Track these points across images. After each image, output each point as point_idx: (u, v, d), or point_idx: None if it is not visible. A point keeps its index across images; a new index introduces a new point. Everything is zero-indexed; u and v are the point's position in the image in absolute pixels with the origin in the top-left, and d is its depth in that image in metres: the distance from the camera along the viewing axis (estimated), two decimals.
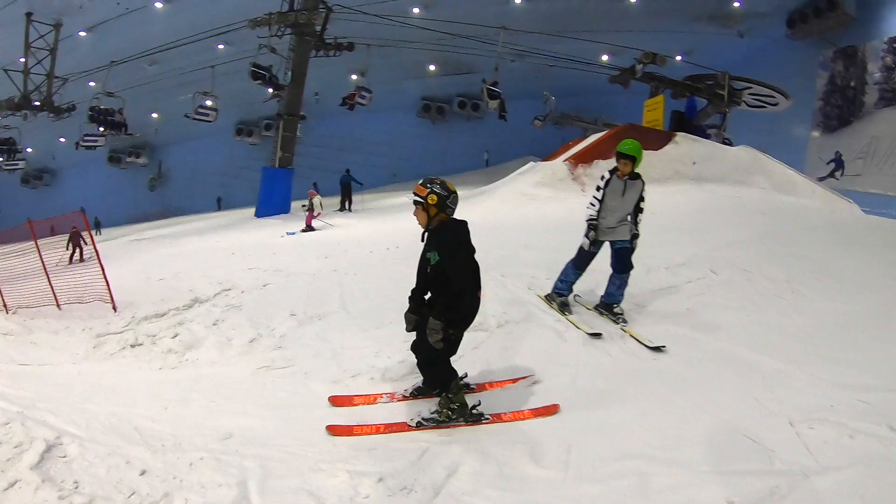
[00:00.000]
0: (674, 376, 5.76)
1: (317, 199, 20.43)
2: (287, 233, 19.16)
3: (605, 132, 21.25)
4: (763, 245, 10.27)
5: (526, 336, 6.96)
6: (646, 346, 6.49)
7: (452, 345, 5.10)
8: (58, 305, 11.24)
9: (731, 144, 21.78)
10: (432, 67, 38.58)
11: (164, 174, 49.18)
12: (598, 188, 7.26)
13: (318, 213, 20.38)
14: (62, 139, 44.21)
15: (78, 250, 19.62)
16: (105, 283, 10.10)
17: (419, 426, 5.07)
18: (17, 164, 41.81)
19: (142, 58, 34.91)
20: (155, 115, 41.53)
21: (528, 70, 33.31)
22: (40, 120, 37.66)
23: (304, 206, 20.58)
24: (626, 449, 4.53)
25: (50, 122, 38.13)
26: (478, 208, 17.42)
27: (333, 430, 5.12)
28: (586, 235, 7.27)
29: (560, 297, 7.65)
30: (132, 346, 7.82)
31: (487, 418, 5.14)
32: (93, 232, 10.70)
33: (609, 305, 7.41)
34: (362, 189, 26.74)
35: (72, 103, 36.80)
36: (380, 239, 14.18)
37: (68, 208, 39.17)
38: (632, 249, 7.30)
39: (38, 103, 36.25)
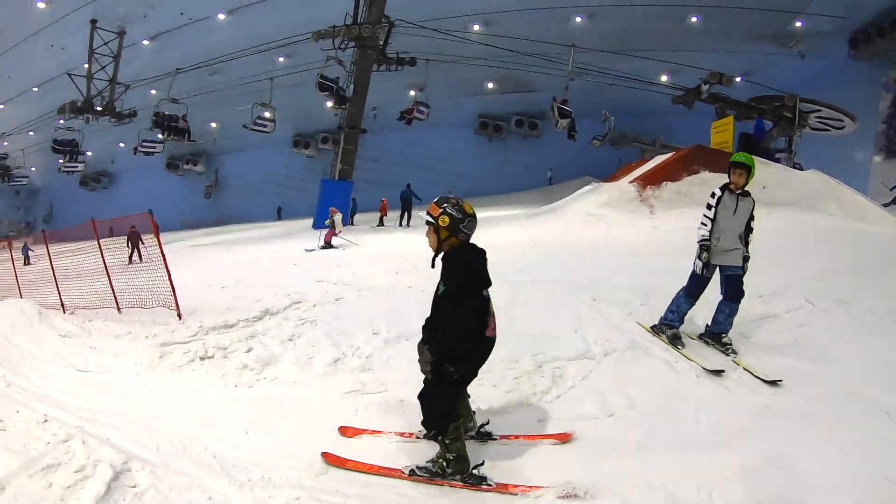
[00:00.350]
0: (800, 414, 5.13)
1: (338, 217, 19.73)
2: (305, 249, 18.51)
3: (671, 154, 20.50)
4: (853, 275, 9.46)
5: (635, 366, 6.29)
6: (762, 380, 5.81)
7: (454, 383, 4.46)
8: (118, 308, 10.77)
9: (801, 169, 20.77)
10: (490, 85, 37.99)
11: (220, 182, 49.58)
12: (709, 206, 6.59)
13: (340, 231, 19.68)
14: (121, 144, 45.06)
15: (136, 251, 19.91)
16: (170, 289, 9.52)
17: (412, 475, 4.44)
18: (76, 167, 42.57)
19: (204, 67, 35.14)
20: (213, 125, 41.70)
21: (587, 89, 32.55)
22: (101, 124, 38.41)
23: (327, 223, 19.76)
24: (774, 494, 3.95)
25: (110, 127, 38.96)
26: (544, 227, 17.05)
27: (328, 458, 4.66)
28: (699, 257, 6.55)
29: (671, 328, 6.89)
30: (202, 358, 7.17)
31: (490, 485, 4.30)
32: (160, 235, 10.18)
33: (717, 335, 6.71)
34: (420, 204, 26.00)
35: (133, 109, 37.29)
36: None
37: (125, 211, 39.66)
38: (743, 274, 6.59)
39: (99, 108, 36.83)
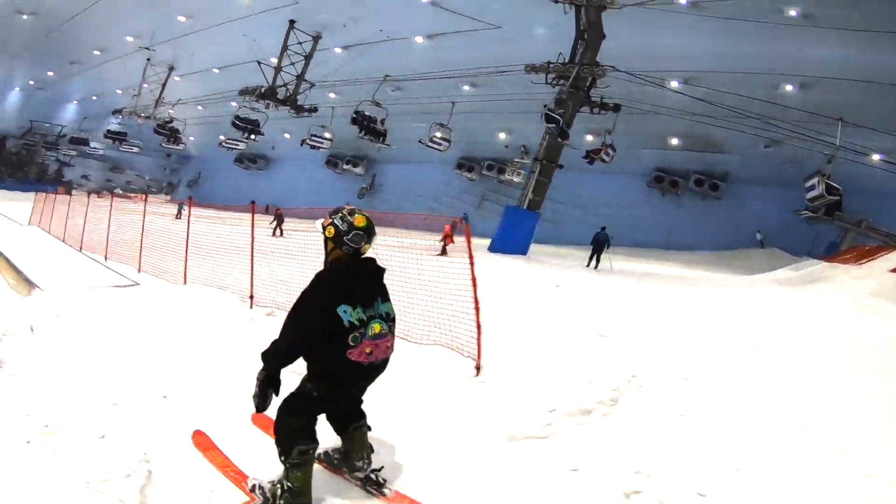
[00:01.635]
0: None
1: None
2: None
3: None
4: None
5: None
6: None
7: (312, 400, 3.57)
8: None
9: None
10: (675, 141, 35.06)
11: (375, 186, 49.36)
12: None
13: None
14: (286, 134, 46.58)
15: (279, 228, 23.75)
16: (475, 333, 6.64)
17: (252, 490, 3.63)
18: (237, 144, 43.66)
19: (391, 81, 35.28)
20: None
21: (784, 156, 29.58)
22: (273, 113, 39.33)
23: None
24: None
25: (280, 117, 40.37)
26: (807, 309, 13.27)
27: (196, 437, 4.32)
28: None
29: None
30: None
31: None
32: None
33: None
34: (608, 249, 24.03)
35: (314, 105, 38.29)
36: (696, 314, 10.36)
37: (275, 194, 45.56)
38: None
39: (280, 98, 37.57)
